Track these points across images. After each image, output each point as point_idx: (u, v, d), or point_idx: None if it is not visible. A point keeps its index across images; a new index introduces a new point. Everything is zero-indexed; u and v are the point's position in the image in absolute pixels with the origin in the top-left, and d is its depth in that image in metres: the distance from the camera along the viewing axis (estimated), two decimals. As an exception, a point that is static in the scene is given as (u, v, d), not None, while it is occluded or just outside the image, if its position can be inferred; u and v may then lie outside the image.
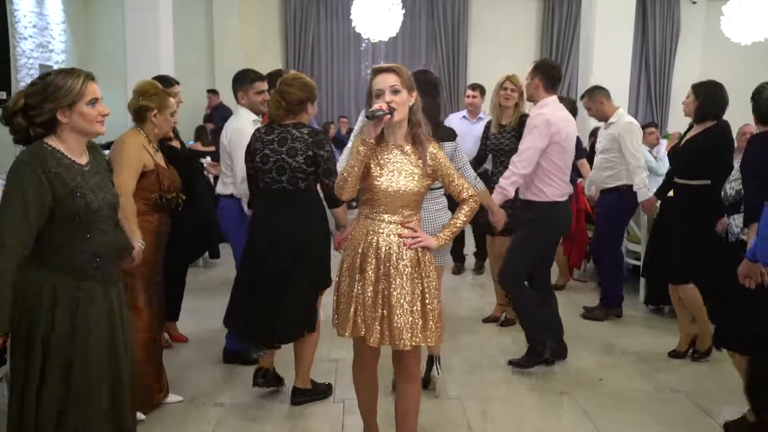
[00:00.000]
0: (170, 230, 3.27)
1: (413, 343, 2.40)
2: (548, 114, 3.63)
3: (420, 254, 2.44)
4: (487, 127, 4.52)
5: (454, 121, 5.41)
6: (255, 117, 3.75)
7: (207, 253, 6.10)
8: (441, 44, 10.53)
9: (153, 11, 5.94)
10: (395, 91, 2.34)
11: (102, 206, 2.17)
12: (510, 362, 3.85)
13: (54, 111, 2.09)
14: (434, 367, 3.46)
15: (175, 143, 3.93)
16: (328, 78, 10.64)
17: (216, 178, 5.05)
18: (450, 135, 3.40)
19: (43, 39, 8.32)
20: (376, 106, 2.31)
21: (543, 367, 3.84)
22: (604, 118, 4.71)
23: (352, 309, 2.44)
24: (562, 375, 3.77)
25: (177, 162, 3.92)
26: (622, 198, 4.58)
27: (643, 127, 5.96)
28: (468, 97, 5.60)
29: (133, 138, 3.05)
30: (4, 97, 7.06)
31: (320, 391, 3.41)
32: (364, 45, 10.49)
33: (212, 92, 9.36)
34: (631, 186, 4.48)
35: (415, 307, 2.40)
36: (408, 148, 2.44)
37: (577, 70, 7.28)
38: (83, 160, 2.20)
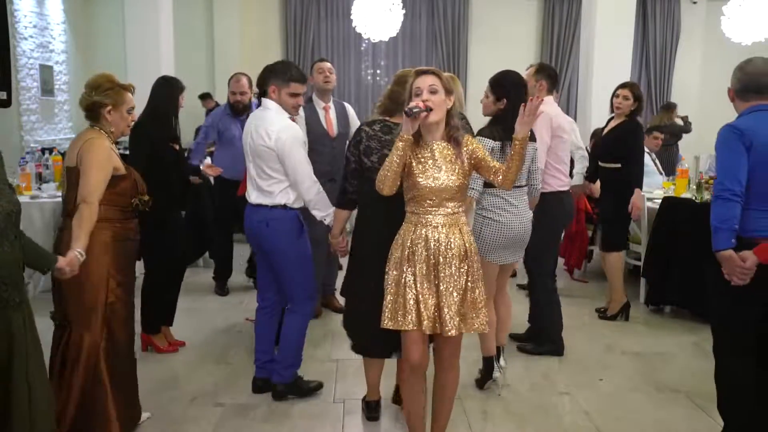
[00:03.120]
0: (154, 235, 3.14)
1: (459, 330, 2.48)
2: (548, 110, 3.82)
3: (467, 244, 2.51)
4: None
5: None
6: (288, 115, 3.27)
7: (207, 253, 6.11)
8: (441, 44, 10.51)
9: (153, 11, 5.95)
10: (433, 91, 2.43)
11: None
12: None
13: None
14: (495, 366, 3.47)
15: (175, 145, 3.92)
16: (328, 78, 10.63)
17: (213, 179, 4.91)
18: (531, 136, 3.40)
19: (43, 39, 8.32)
20: (412, 104, 2.40)
21: (543, 367, 3.84)
22: None
23: (400, 300, 2.48)
24: (562, 375, 3.77)
25: (178, 164, 3.93)
26: None
27: (647, 132, 6.00)
28: None
29: (100, 139, 2.75)
30: (5, 97, 7.05)
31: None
32: (364, 45, 10.46)
33: (208, 97, 9.26)
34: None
35: (460, 296, 2.48)
36: (445, 145, 2.51)
37: (577, 70, 7.28)
38: None
